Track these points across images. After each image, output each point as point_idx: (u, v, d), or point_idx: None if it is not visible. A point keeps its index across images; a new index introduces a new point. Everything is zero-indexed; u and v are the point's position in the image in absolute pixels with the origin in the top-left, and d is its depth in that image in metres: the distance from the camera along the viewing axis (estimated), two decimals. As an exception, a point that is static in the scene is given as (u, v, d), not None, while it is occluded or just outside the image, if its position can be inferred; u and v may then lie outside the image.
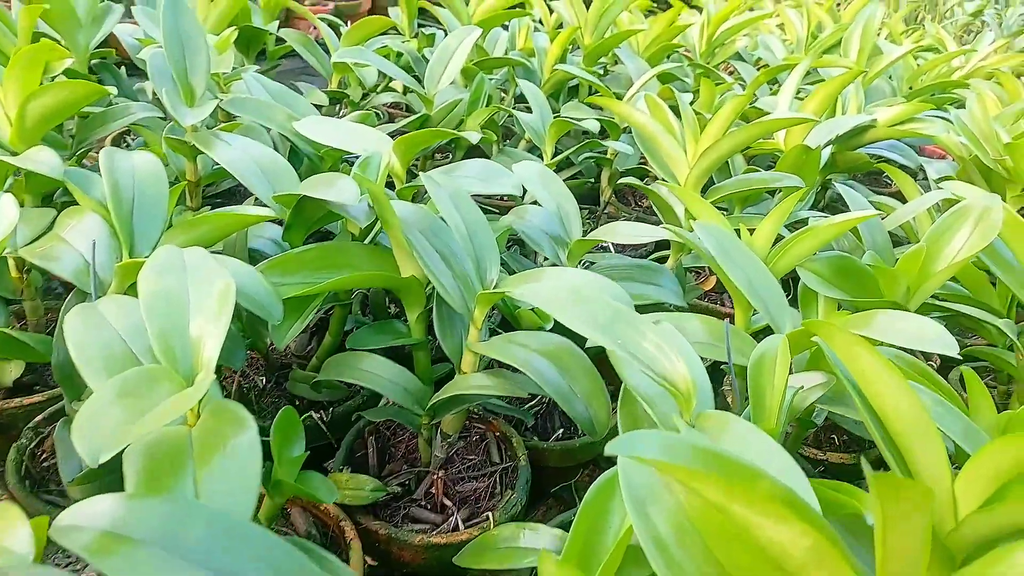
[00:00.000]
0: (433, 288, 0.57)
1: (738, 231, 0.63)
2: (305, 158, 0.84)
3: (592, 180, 1.12)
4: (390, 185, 0.73)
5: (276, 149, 0.88)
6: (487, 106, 1.01)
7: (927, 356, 0.88)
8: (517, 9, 1.15)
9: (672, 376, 0.43)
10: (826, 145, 1.01)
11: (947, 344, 0.47)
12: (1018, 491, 0.39)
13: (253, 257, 0.67)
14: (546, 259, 0.74)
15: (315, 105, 1.05)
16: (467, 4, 1.17)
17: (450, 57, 1.01)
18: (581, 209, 1.13)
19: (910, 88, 1.46)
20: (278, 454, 0.47)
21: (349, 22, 1.61)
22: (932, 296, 0.71)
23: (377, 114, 1.36)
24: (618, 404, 0.48)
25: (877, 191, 1.24)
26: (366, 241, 0.64)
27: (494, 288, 0.57)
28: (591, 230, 0.97)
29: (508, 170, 0.70)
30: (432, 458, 0.62)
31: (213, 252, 0.46)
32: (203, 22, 1.07)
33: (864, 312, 0.53)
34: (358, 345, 0.59)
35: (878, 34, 1.77)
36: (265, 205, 0.63)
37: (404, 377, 0.58)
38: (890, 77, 1.50)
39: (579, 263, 0.74)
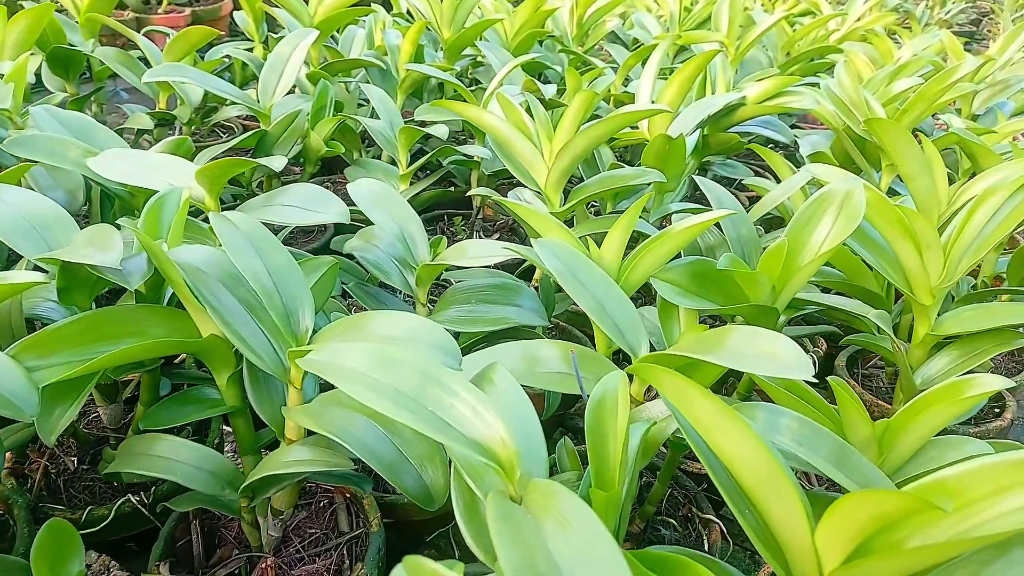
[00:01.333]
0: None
1: (587, 243, 0.57)
2: (116, 198, 0.74)
3: (466, 185, 1.05)
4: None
5: (87, 191, 0.78)
6: (335, 114, 0.92)
7: (813, 341, 0.85)
8: (362, 7, 1.06)
9: (490, 442, 0.37)
10: (695, 129, 0.97)
11: (802, 368, 0.42)
12: (881, 545, 0.34)
13: (33, 326, 0.57)
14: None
15: (140, 130, 0.95)
16: (307, 3, 1.07)
17: (284, 64, 0.91)
18: (456, 215, 1.06)
19: (787, 56, 1.45)
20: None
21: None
22: (811, 282, 0.67)
23: (226, 130, 1.26)
24: (451, 474, 0.42)
25: (758, 169, 1.21)
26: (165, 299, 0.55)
27: (308, 342, 0.49)
28: (464, 238, 0.91)
29: (335, 195, 0.62)
30: (266, 538, 0.54)
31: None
32: (0, 46, 0.94)
33: (718, 330, 0.47)
34: (154, 425, 0.50)
35: (750, 4, 1.76)
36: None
37: (209, 459, 0.50)
38: (765, 48, 1.48)
39: (432, 282, 0.66)
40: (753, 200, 1.11)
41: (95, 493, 0.61)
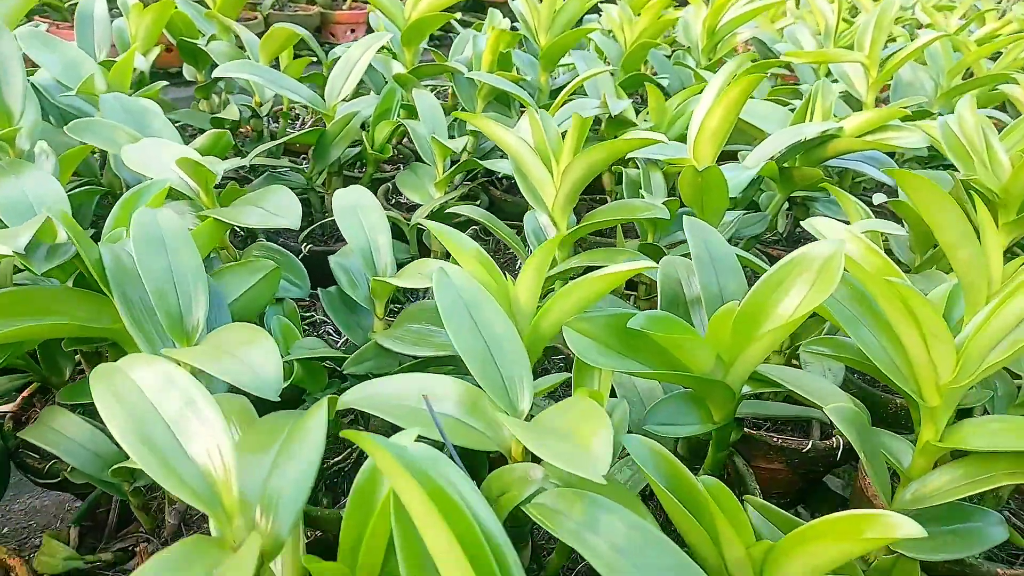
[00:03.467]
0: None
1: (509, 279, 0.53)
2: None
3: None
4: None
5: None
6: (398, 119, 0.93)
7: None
8: (450, 12, 1.06)
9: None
10: (774, 158, 0.86)
11: (595, 467, 0.35)
12: None
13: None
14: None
15: (228, 121, 1.02)
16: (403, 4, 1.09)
17: (353, 66, 0.94)
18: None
19: (952, 82, 1.24)
20: None
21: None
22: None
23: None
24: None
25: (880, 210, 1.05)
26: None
27: (197, 342, 0.50)
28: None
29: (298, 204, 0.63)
30: (166, 524, 0.56)
31: None
32: (133, 37, 1.07)
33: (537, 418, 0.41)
34: (69, 399, 0.54)
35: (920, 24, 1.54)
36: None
37: (94, 439, 0.52)
38: (933, 72, 1.28)
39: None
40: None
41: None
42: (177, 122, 1.01)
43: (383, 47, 1.16)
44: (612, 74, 1.23)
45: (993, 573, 0.56)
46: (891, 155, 0.94)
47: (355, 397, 0.47)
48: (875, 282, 0.51)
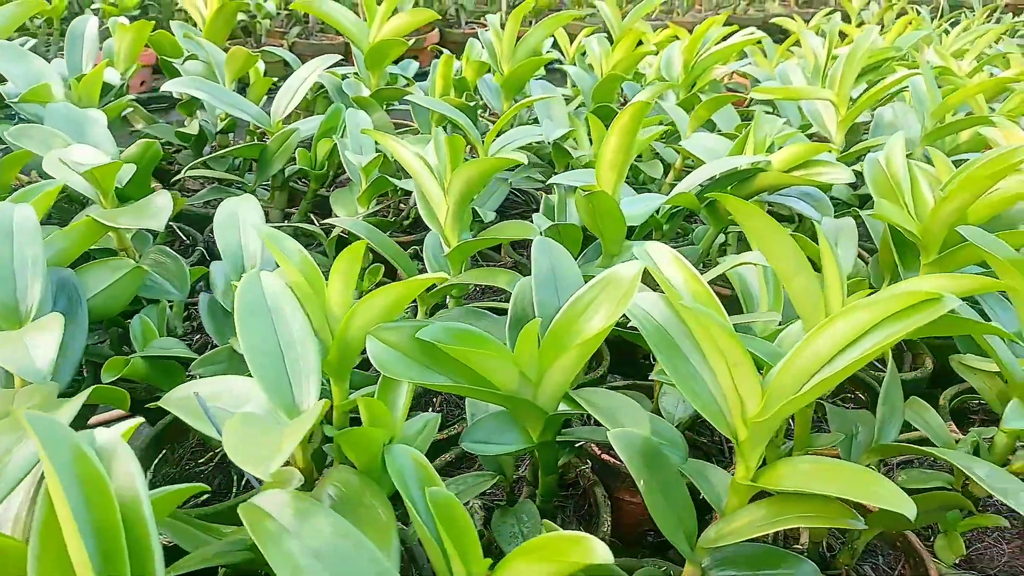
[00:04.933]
0: None
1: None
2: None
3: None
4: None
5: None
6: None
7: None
8: (409, 39, 1.08)
9: None
10: (697, 190, 0.85)
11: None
12: None
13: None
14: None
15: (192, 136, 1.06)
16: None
17: (299, 86, 0.97)
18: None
19: (939, 123, 1.19)
20: None
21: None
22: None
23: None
24: None
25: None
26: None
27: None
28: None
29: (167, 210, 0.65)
30: None
31: None
32: (116, 55, 1.13)
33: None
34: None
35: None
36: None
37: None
38: (920, 112, 1.23)
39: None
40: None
41: None
42: (147, 135, 1.06)
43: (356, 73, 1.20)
44: (584, 104, 1.23)
45: None
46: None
47: (172, 396, 0.49)
48: (684, 312, 0.49)
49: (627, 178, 1.09)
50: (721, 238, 0.96)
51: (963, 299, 0.83)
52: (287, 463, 0.50)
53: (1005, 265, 0.58)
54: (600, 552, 0.34)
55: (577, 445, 0.65)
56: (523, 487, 0.63)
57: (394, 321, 0.51)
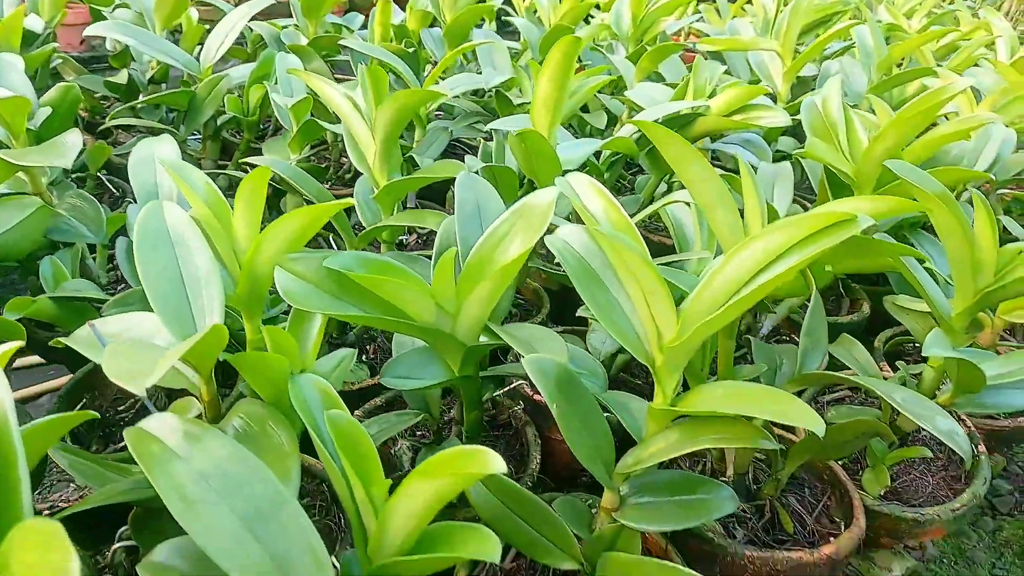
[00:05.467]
0: None
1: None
2: None
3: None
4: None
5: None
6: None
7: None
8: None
9: None
10: (636, 136, 0.84)
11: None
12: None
13: None
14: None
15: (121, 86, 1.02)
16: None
17: (227, 32, 0.94)
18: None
19: (884, 75, 1.19)
20: None
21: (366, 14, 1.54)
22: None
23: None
24: None
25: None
26: None
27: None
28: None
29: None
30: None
31: None
32: (42, 3, 1.08)
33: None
34: None
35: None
36: None
37: None
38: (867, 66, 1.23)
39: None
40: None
41: None
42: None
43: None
44: (534, 58, 1.21)
45: (741, 554, 0.52)
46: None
47: (78, 334, 0.47)
48: (600, 238, 0.48)
49: (573, 129, 1.08)
50: (664, 188, 0.95)
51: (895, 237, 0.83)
52: (195, 397, 0.48)
53: (932, 198, 0.58)
54: (495, 463, 0.33)
55: (509, 387, 0.64)
56: (452, 427, 0.63)
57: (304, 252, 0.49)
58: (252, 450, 0.39)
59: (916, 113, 0.68)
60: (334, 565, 0.38)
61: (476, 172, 0.76)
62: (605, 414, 0.49)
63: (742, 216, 0.53)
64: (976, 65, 1.30)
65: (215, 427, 0.39)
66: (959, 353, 0.53)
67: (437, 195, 1.04)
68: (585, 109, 1.12)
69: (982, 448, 0.66)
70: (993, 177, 1.03)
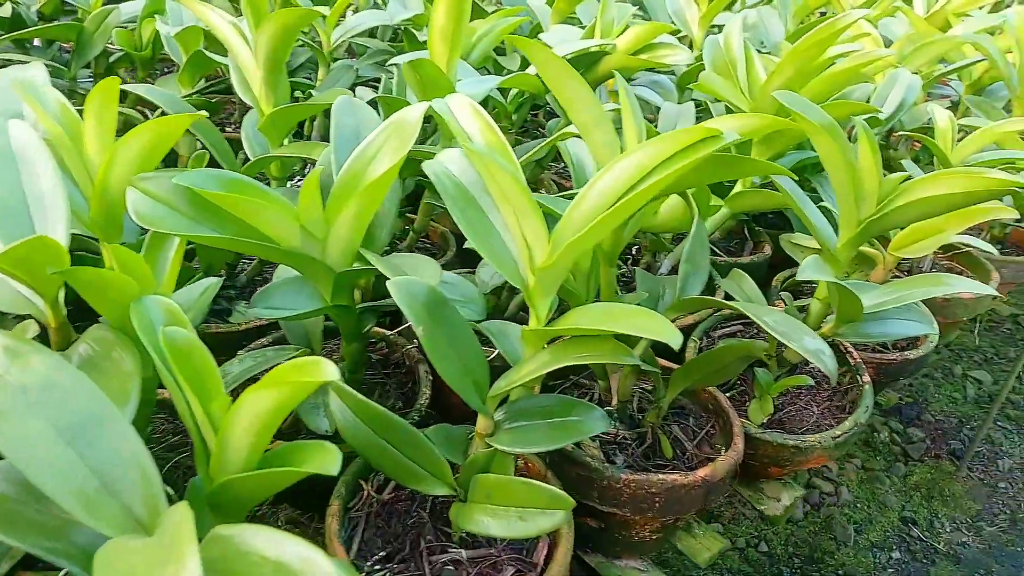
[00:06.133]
0: None
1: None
2: None
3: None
4: None
5: None
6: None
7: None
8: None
9: None
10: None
11: None
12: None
13: None
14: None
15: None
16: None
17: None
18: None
19: (800, 23, 1.20)
20: None
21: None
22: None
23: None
24: None
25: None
26: None
27: None
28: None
29: None
30: None
31: None
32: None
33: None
34: None
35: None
36: None
37: None
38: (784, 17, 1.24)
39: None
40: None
41: None
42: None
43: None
44: None
45: (618, 478, 0.53)
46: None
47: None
48: (473, 156, 0.47)
49: (488, 71, 1.06)
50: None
51: (797, 183, 0.84)
52: (37, 321, 0.46)
53: (815, 126, 0.58)
54: (329, 371, 0.32)
55: (405, 325, 0.63)
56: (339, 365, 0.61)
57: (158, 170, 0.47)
58: (94, 374, 0.38)
59: (811, 44, 0.68)
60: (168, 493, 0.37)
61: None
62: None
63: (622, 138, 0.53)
64: (893, 16, 1.32)
65: (48, 349, 0.36)
66: (832, 278, 0.54)
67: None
68: (503, 53, 1.10)
69: (866, 378, 0.67)
70: (902, 121, 1.05)
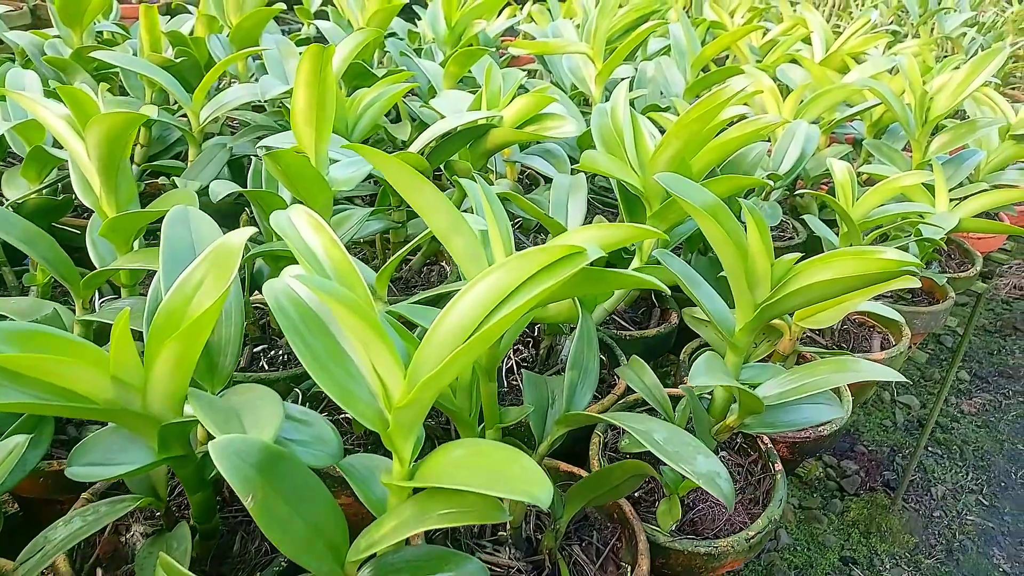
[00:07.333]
0: None
1: None
2: None
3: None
4: None
5: None
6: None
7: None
8: None
9: None
10: (431, 148, 0.78)
11: None
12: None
13: None
14: None
15: None
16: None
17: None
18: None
19: (700, 73, 1.19)
20: None
21: None
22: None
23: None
24: None
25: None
26: None
27: None
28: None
29: None
30: None
31: None
32: None
33: None
34: None
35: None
36: None
37: None
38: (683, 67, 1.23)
39: None
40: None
41: None
42: None
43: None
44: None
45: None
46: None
47: None
48: (312, 290, 0.41)
49: (377, 141, 1.01)
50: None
51: (703, 251, 0.80)
52: None
53: (698, 211, 0.54)
54: None
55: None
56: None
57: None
58: None
59: (696, 116, 0.65)
60: None
61: (236, 197, 0.68)
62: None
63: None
64: (794, 62, 1.32)
65: None
66: (726, 380, 0.50)
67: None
68: (391, 117, 1.05)
69: (779, 466, 0.63)
70: (806, 169, 1.04)
